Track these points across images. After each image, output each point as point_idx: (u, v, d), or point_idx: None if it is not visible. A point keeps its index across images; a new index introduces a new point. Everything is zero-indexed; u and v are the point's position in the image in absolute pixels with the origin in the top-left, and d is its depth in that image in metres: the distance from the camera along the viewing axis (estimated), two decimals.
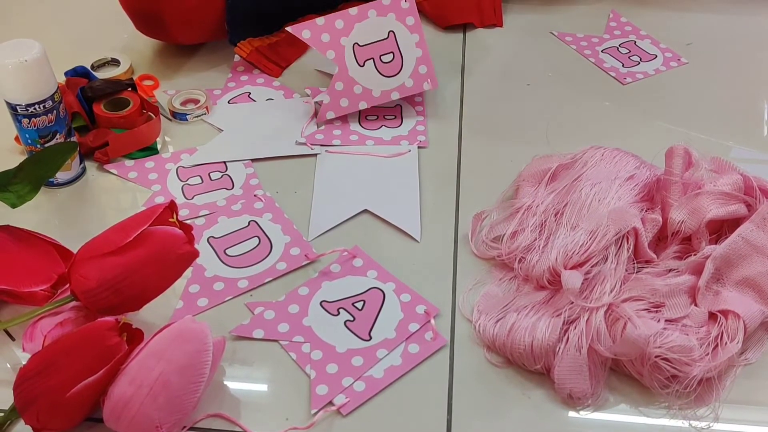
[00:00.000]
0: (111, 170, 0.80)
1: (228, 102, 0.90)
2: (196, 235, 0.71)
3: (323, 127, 0.86)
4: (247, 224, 0.74)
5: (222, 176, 0.80)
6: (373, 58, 0.84)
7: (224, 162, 0.81)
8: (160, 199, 0.77)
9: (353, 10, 0.83)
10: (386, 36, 0.84)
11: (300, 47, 0.98)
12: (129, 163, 0.81)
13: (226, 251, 0.72)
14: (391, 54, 0.84)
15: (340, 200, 0.77)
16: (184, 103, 0.89)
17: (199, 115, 0.87)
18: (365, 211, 0.76)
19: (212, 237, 0.73)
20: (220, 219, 0.75)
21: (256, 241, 0.73)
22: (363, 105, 0.85)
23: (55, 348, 0.55)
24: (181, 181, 0.79)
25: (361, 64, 0.84)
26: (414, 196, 0.77)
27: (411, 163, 0.81)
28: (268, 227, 0.74)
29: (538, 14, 1.06)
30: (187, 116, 0.87)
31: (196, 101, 0.89)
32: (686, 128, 0.86)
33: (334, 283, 0.68)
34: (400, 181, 0.79)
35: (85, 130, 0.83)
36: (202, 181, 0.79)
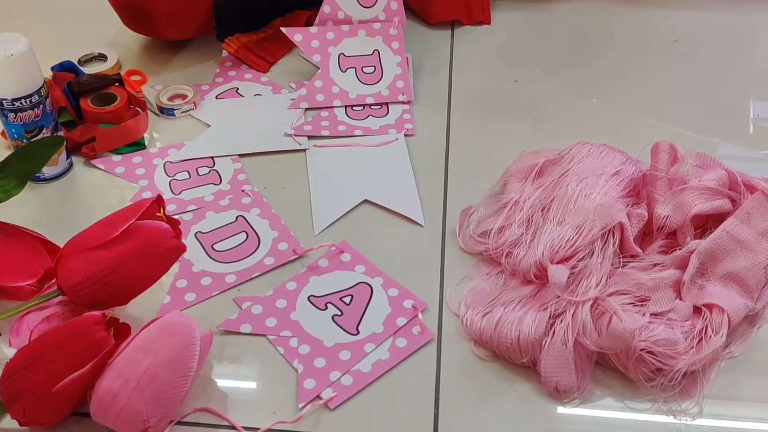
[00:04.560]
0: (98, 165, 0.80)
1: (216, 97, 0.90)
2: (184, 230, 0.71)
3: (311, 118, 0.86)
4: (234, 219, 0.74)
5: (210, 171, 0.80)
6: (355, 67, 0.89)
7: (212, 157, 0.81)
8: (148, 194, 0.77)
9: (345, 27, 0.90)
10: (371, 53, 0.90)
11: (288, 43, 0.97)
12: (116, 158, 0.81)
13: (214, 246, 0.71)
14: (373, 67, 0.90)
15: (338, 193, 0.77)
16: (171, 99, 0.88)
17: (187, 111, 0.87)
18: (359, 203, 0.76)
19: (200, 232, 0.73)
20: (208, 214, 0.75)
21: (243, 236, 0.72)
22: (337, 103, 0.88)
23: (41, 342, 0.55)
24: (169, 176, 0.79)
25: (343, 70, 0.89)
26: (410, 182, 0.78)
27: (401, 151, 0.82)
28: (256, 222, 0.74)
29: (526, 11, 1.06)
30: (175, 111, 0.87)
31: (183, 96, 0.88)
32: (673, 125, 0.86)
33: (322, 278, 0.69)
34: (394, 168, 0.80)
35: (72, 125, 0.83)
36: (190, 177, 0.79)
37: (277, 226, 0.74)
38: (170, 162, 0.81)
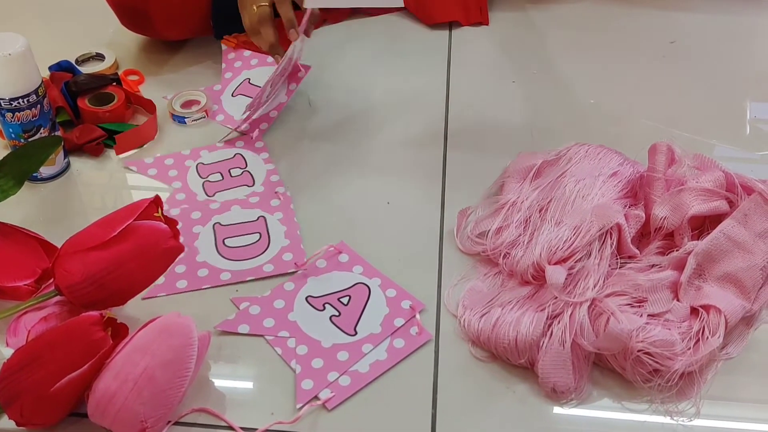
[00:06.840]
0: (131, 167, 0.80)
1: (232, 95, 0.89)
2: (206, 218, 0.72)
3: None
4: (256, 218, 0.74)
5: (242, 173, 0.79)
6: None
7: (244, 158, 0.81)
8: (182, 197, 0.77)
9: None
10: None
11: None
12: (148, 159, 0.81)
13: (225, 241, 0.71)
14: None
15: None
16: (184, 105, 0.87)
17: (198, 119, 0.86)
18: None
19: (218, 223, 0.73)
20: (234, 207, 0.75)
21: (256, 236, 0.72)
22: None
23: (39, 343, 0.55)
24: (202, 177, 0.79)
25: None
26: None
27: None
28: (274, 226, 0.73)
29: (524, 12, 1.06)
30: (186, 120, 0.86)
31: (197, 103, 0.87)
32: (670, 126, 0.86)
33: (320, 279, 0.69)
34: None
35: (69, 125, 0.83)
36: (223, 178, 0.79)
37: (291, 235, 0.73)
38: (203, 163, 0.81)
